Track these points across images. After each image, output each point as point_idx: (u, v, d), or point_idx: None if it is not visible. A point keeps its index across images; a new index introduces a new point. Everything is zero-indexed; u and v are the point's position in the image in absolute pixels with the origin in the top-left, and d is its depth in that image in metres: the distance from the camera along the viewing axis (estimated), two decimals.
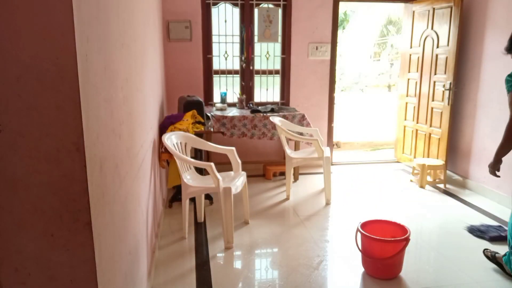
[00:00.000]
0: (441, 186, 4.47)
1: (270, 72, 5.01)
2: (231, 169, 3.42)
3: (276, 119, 4.12)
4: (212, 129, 4.04)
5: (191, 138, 3.40)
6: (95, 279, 1.12)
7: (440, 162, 4.47)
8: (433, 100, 4.68)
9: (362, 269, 2.74)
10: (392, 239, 2.61)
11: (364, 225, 2.75)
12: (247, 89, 4.94)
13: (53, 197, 1.04)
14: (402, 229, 2.69)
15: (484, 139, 4.21)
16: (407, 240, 2.56)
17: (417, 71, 4.92)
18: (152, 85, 3.05)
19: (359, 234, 2.69)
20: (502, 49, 2.51)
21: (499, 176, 2.60)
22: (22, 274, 1.05)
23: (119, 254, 1.53)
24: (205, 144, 3.42)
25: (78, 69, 1.00)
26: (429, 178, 4.50)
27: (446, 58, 4.42)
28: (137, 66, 2.18)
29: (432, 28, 4.62)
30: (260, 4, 4.76)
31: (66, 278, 1.09)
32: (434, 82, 4.64)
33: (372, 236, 2.59)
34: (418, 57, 4.87)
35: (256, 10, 4.76)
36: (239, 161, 3.39)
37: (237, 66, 4.92)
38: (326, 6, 4.80)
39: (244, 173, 3.36)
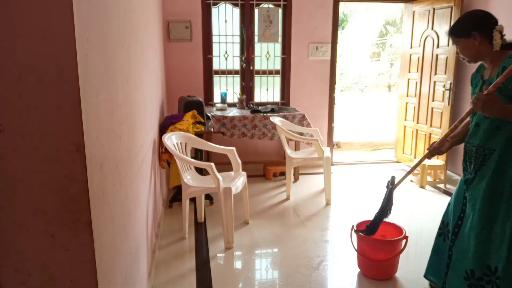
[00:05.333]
0: (441, 186, 4.47)
1: (270, 72, 5.01)
2: (231, 169, 3.42)
3: (276, 119, 4.12)
4: (212, 129, 4.04)
5: (191, 138, 3.40)
6: (95, 279, 1.12)
7: (441, 162, 4.47)
8: (433, 100, 4.68)
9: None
10: (390, 239, 2.61)
11: (360, 226, 2.72)
12: (247, 89, 4.94)
13: (53, 197, 1.04)
14: (398, 230, 2.67)
15: None
16: (405, 238, 2.55)
17: (417, 71, 4.92)
18: (152, 85, 3.05)
19: (354, 235, 2.68)
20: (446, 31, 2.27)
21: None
22: (22, 274, 1.05)
23: (119, 254, 1.53)
24: (205, 144, 3.42)
25: (78, 69, 1.00)
26: (429, 178, 4.50)
27: (446, 58, 4.42)
28: (137, 66, 2.18)
29: (432, 28, 4.62)
30: (260, 4, 4.76)
31: (66, 278, 1.09)
32: (435, 82, 4.64)
33: (370, 236, 2.59)
34: (418, 57, 4.87)
35: (256, 10, 4.76)
36: (239, 161, 3.39)
37: (237, 66, 4.92)
38: (326, 6, 4.80)
39: (244, 173, 3.36)
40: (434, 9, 4.56)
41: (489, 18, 1.91)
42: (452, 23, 4.27)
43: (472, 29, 1.88)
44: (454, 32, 1.97)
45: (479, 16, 1.94)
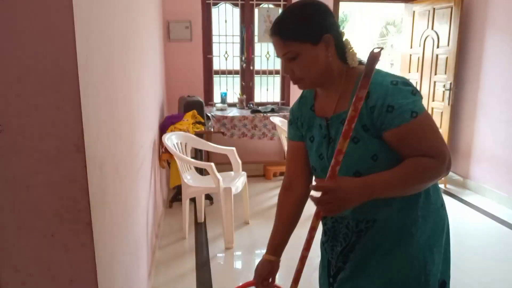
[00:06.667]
0: (442, 186, 4.47)
1: (270, 72, 5.01)
2: (231, 169, 3.42)
3: (276, 119, 4.12)
4: (212, 129, 4.04)
5: (191, 138, 3.40)
6: (95, 279, 1.12)
7: None
8: (433, 100, 4.68)
9: None
10: None
11: None
12: (247, 89, 4.94)
13: (53, 197, 1.04)
14: None
15: (484, 139, 4.21)
16: None
17: (417, 71, 4.92)
18: (152, 85, 3.05)
19: None
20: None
21: None
22: (22, 274, 1.05)
23: (119, 254, 1.53)
24: (205, 144, 3.42)
25: (78, 69, 1.00)
26: None
27: (447, 58, 4.41)
28: (137, 66, 2.18)
29: (432, 28, 4.61)
30: (260, 4, 4.76)
31: (66, 278, 1.09)
32: (435, 82, 4.63)
33: None
34: (419, 57, 4.87)
35: (256, 10, 4.76)
36: (239, 161, 3.39)
37: (237, 66, 4.92)
38: None
39: (244, 173, 3.36)
40: (434, 9, 4.56)
41: (332, 16, 1.16)
42: (452, 23, 4.29)
43: (324, 29, 1.11)
44: (293, 33, 1.11)
45: (328, 11, 1.15)
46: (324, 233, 1.40)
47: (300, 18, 1.11)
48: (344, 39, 1.17)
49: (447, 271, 1.24)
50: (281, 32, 1.14)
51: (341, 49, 1.15)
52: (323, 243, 1.41)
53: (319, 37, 1.10)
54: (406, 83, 1.14)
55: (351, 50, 1.16)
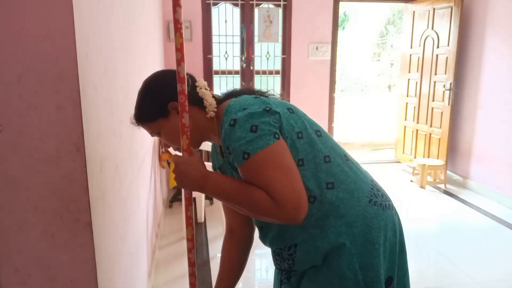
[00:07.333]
0: (442, 186, 4.47)
1: (271, 72, 5.01)
2: None
3: None
4: None
5: None
6: (95, 279, 1.12)
7: (441, 162, 4.47)
8: (433, 100, 4.68)
9: None
10: None
11: None
12: None
13: (53, 197, 1.04)
14: None
15: (484, 139, 4.21)
16: None
17: (417, 71, 4.92)
18: None
19: None
20: None
21: None
22: (22, 275, 1.05)
23: (119, 254, 1.53)
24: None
25: (78, 69, 1.00)
26: (429, 178, 4.51)
27: (447, 58, 4.42)
28: (137, 66, 2.18)
29: (432, 28, 4.62)
30: (261, 4, 4.76)
31: (66, 278, 1.09)
32: (435, 82, 4.64)
33: None
34: (419, 57, 4.87)
35: (256, 10, 4.76)
36: None
37: (237, 66, 4.92)
38: (326, 6, 4.80)
39: None
40: (434, 9, 4.56)
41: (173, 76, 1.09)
42: (452, 23, 4.29)
43: (167, 99, 1.12)
44: (142, 116, 1.17)
45: (168, 77, 1.15)
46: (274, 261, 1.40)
47: (142, 100, 1.18)
48: (196, 83, 1.17)
49: (393, 267, 1.16)
50: (136, 118, 1.19)
51: (198, 99, 1.15)
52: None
53: (165, 109, 1.13)
54: (248, 117, 1.04)
55: (201, 91, 1.16)
